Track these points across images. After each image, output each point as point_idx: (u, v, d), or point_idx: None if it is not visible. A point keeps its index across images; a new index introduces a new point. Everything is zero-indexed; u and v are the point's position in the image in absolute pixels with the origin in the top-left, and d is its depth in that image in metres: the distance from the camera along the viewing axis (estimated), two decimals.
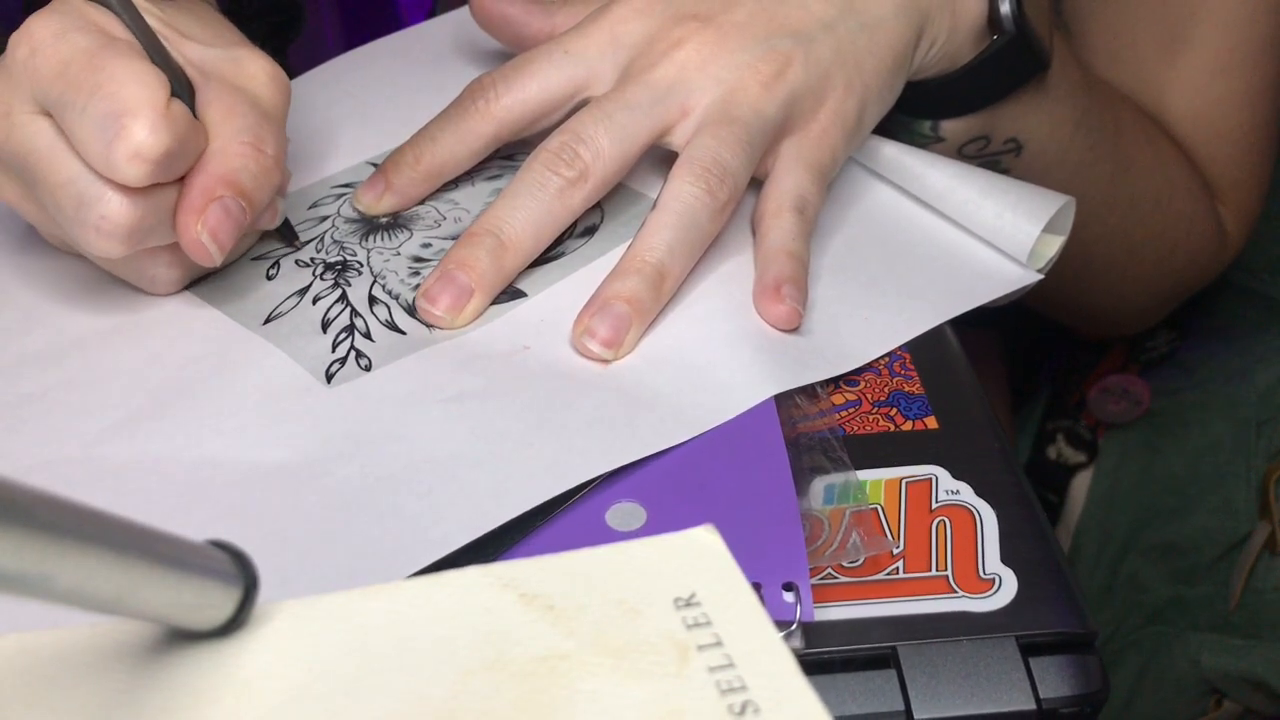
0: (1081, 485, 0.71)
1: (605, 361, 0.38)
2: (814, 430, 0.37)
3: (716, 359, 0.38)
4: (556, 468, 0.34)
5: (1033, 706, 0.31)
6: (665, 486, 0.35)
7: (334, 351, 0.38)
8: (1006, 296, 0.44)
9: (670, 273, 0.39)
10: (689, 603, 0.25)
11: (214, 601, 0.24)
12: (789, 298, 0.39)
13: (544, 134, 0.41)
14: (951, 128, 0.48)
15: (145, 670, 0.24)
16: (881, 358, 0.40)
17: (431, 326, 0.39)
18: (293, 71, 0.53)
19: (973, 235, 0.45)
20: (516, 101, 0.43)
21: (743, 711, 0.22)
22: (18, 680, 0.24)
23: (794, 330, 0.40)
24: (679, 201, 0.39)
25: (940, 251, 0.45)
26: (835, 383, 0.39)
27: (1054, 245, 0.45)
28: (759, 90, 0.41)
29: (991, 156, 0.50)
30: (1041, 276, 0.44)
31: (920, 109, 0.48)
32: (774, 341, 0.39)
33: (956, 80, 0.46)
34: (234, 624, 0.25)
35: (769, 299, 0.39)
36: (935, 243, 0.45)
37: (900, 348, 0.41)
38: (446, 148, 0.43)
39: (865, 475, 0.36)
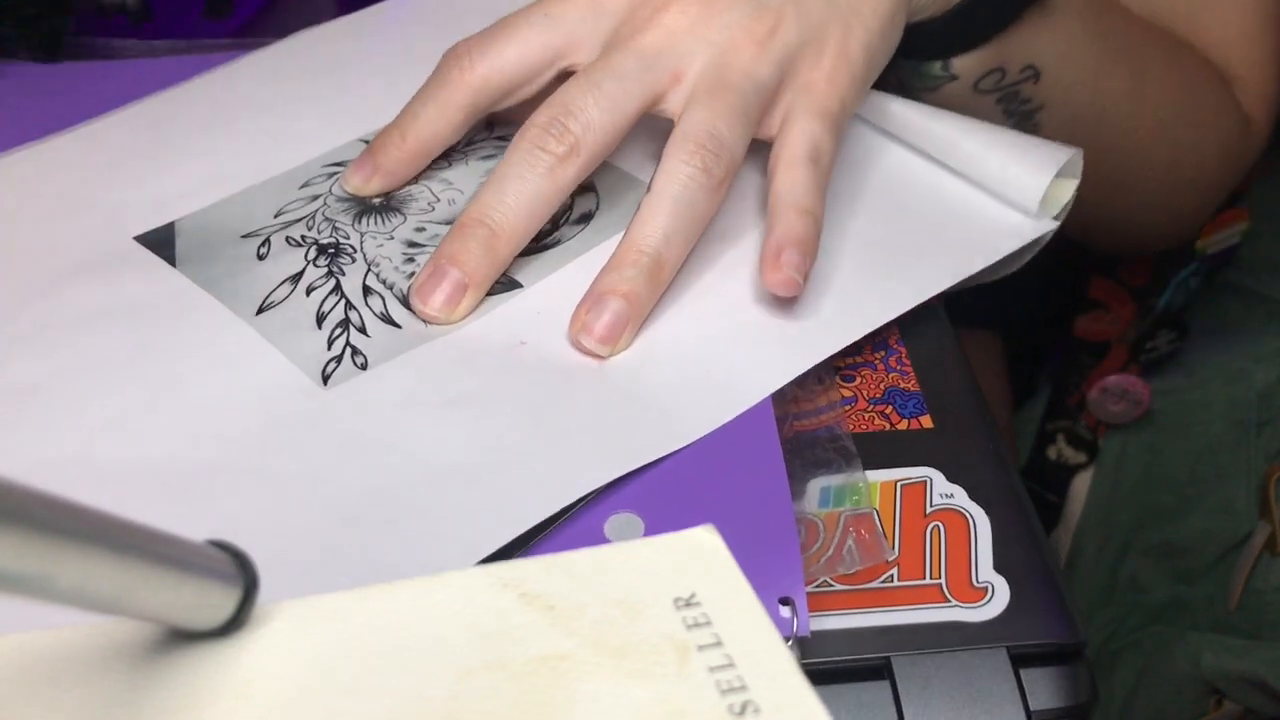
0: (1082, 485, 0.71)
1: (602, 358, 0.38)
2: (820, 426, 0.37)
3: (715, 356, 0.38)
4: (553, 482, 0.34)
5: (1022, 718, 0.32)
6: (663, 497, 0.34)
7: (329, 349, 0.38)
8: (1028, 250, 0.43)
9: (667, 261, 0.38)
10: (689, 603, 0.25)
11: (214, 601, 0.24)
12: (788, 265, 0.38)
13: (531, 104, 0.40)
14: (963, 64, 0.47)
15: (145, 670, 0.24)
16: (878, 352, 0.40)
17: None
18: (283, 27, 0.53)
19: (983, 189, 0.44)
20: (493, 69, 0.41)
21: (743, 712, 0.22)
22: (18, 680, 0.24)
23: (795, 298, 0.38)
24: (674, 183, 0.38)
25: (952, 208, 0.44)
26: (832, 377, 0.39)
27: (1068, 190, 0.43)
28: (753, 50, 0.40)
29: (1010, 88, 0.48)
30: (1057, 224, 0.43)
31: (928, 50, 0.46)
32: (776, 330, 0.39)
33: (960, 14, 0.45)
34: (234, 624, 0.25)
35: (768, 266, 0.38)
36: (947, 200, 0.44)
37: (897, 341, 0.41)
38: (430, 123, 0.42)
39: (861, 480, 0.36)
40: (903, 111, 0.45)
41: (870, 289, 0.40)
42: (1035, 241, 0.43)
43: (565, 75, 0.41)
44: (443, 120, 0.42)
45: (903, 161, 0.46)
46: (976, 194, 0.44)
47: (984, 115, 0.47)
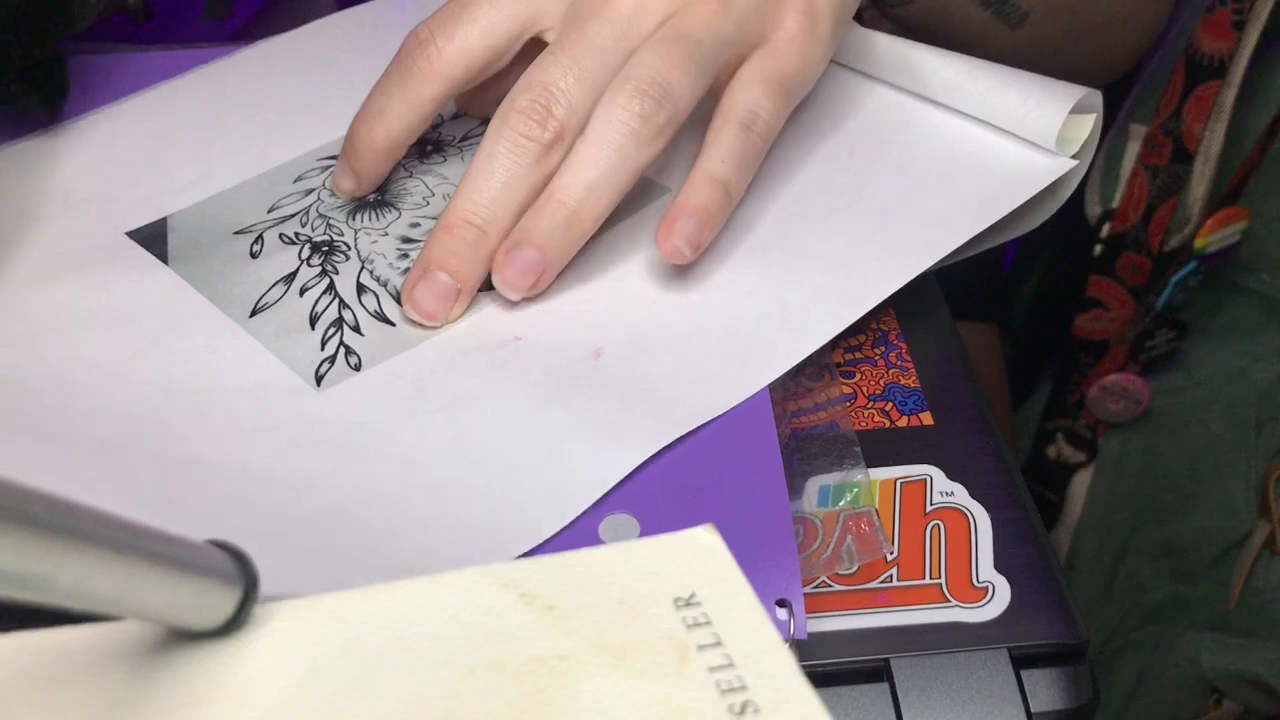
0: (1081, 485, 0.71)
1: (512, 301, 0.38)
2: (820, 423, 0.37)
3: (711, 347, 0.38)
4: (556, 494, 0.34)
5: None
6: (659, 498, 0.34)
7: (323, 349, 0.38)
8: (1049, 201, 0.42)
9: (589, 215, 0.37)
10: (689, 603, 0.25)
11: (214, 601, 0.24)
12: (679, 234, 0.37)
13: (502, 76, 0.39)
14: None
15: (145, 670, 0.24)
16: (878, 348, 0.40)
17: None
18: (283, 27, 0.53)
19: (996, 130, 0.43)
20: (460, 53, 0.39)
21: (743, 711, 0.22)
22: (18, 680, 0.24)
23: (688, 262, 0.38)
24: (608, 129, 0.37)
25: (964, 155, 0.43)
26: (833, 373, 0.39)
27: (1086, 126, 0.43)
28: (717, 6, 0.39)
29: None
30: (1077, 163, 0.42)
31: None
32: (776, 311, 0.38)
33: None
34: (234, 624, 0.25)
35: (661, 231, 0.38)
36: (958, 146, 0.44)
37: (897, 337, 0.40)
38: (400, 119, 0.41)
39: (862, 477, 0.36)
40: (902, 55, 0.45)
41: (879, 253, 0.40)
42: (1055, 193, 0.42)
43: (535, 41, 0.40)
44: (413, 114, 0.41)
45: (903, 109, 0.45)
46: (987, 137, 0.44)
47: (955, 14, 0.46)
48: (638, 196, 0.42)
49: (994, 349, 0.77)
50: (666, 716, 0.22)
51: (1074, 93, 0.42)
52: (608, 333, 0.38)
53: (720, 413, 0.36)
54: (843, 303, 0.39)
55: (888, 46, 0.46)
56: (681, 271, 0.40)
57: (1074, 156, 0.43)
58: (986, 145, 0.43)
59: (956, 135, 0.44)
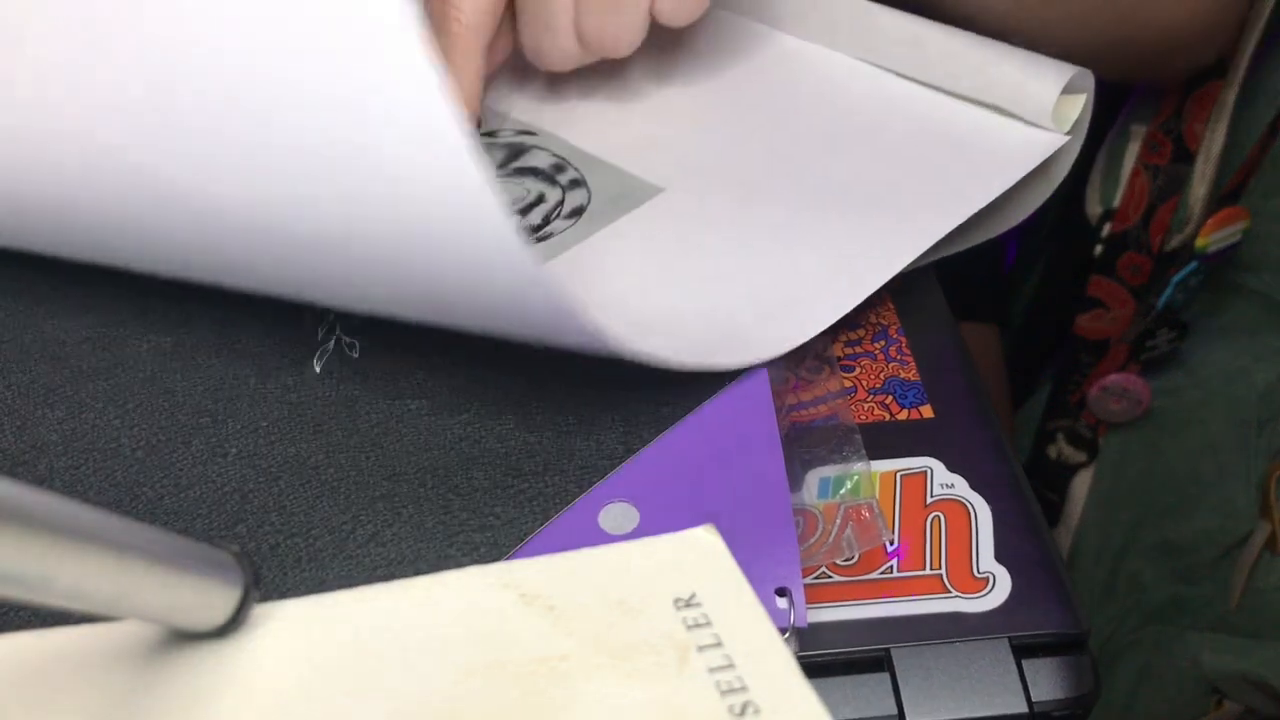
0: (1082, 485, 0.71)
1: None
2: (819, 416, 0.37)
3: (712, 333, 0.38)
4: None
5: (1024, 710, 0.31)
6: (659, 487, 0.34)
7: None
8: (1046, 180, 0.43)
9: None
10: (689, 603, 0.25)
11: (214, 602, 0.24)
12: None
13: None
14: None
15: (145, 670, 0.24)
16: (878, 342, 0.40)
17: None
18: None
19: (990, 109, 0.44)
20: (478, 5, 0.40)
21: (743, 712, 0.22)
22: (18, 680, 0.24)
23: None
24: None
25: (960, 135, 0.43)
26: (833, 365, 0.39)
27: (1077, 106, 0.43)
28: None
29: None
30: (1070, 138, 0.43)
31: None
32: (770, 298, 0.38)
33: None
34: (233, 624, 0.25)
35: None
36: (953, 127, 0.44)
37: (897, 331, 0.40)
38: (470, 84, 0.41)
39: (862, 467, 0.36)
40: (903, 27, 0.45)
41: (880, 236, 0.40)
42: (1049, 174, 0.43)
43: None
44: (480, 75, 0.41)
45: (897, 93, 0.45)
46: (982, 117, 0.44)
47: None
48: (632, 195, 0.42)
49: (994, 349, 0.77)
50: (667, 717, 0.22)
51: (1066, 70, 0.42)
52: (604, 318, 0.38)
53: (717, 395, 0.36)
54: (847, 284, 0.39)
55: (889, 21, 0.46)
56: (678, 266, 0.40)
57: (1068, 133, 0.43)
58: (981, 125, 0.44)
59: (951, 116, 0.44)
